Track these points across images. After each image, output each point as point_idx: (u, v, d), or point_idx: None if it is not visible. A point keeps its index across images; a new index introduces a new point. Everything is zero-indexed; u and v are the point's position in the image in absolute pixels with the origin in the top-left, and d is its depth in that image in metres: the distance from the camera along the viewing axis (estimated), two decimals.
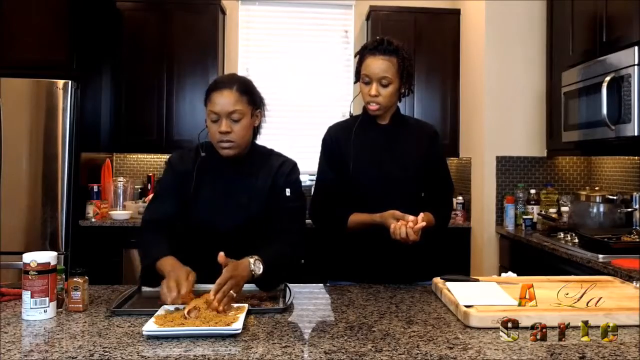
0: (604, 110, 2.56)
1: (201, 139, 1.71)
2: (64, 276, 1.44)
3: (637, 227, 2.78)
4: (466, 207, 3.86)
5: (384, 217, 1.67)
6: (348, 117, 1.98)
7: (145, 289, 1.61)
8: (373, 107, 1.79)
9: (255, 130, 1.74)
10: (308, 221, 1.91)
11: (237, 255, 1.46)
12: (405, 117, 1.94)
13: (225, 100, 1.59)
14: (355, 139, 1.83)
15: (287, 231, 1.64)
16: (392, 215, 1.65)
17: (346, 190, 1.82)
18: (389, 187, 1.80)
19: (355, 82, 1.88)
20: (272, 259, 1.51)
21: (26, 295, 1.31)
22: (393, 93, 1.78)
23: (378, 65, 1.75)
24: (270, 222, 1.66)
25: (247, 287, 1.54)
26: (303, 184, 1.79)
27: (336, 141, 1.86)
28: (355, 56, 1.86)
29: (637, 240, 2.44)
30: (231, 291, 1.35)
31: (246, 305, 1.36)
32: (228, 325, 1.21)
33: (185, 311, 1.27)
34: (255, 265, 1.45)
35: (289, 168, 1.73)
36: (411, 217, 1.59)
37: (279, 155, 1.78)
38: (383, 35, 1.83)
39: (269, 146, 1.81)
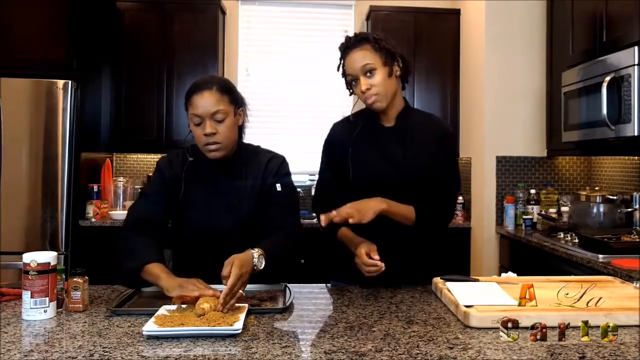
0: (604, 110, 2.56)
1: (189, 142, 1.70)
2: (64, 276, 1.45)
3: (637, 227, 2.78)
4: (466, 207, 3.86)
5: (358, 249, 1.63)
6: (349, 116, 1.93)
7: (145, 289, 1.61)
8: (371, 99, 1.71)
9: (240, 130, 1.72)
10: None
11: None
12: (414, 117, 1.82)
13: (207, 101, 1.57)
14: (357, 139, 1.79)
15: (281, 226, 1.63)
16: (364, 253, 1.60)
17: (345, 191, 1.78)
18: (388, 193, 1.71)
19: (350, 94, 1.83)
20: (273, 251, 1.52)
21: (26, 295, 1.31)
22: (384, 78, 1.71)
23: (354, 59, 1.72)
24: (264, 219, 1.65)
25: (248, 287, 1.54)
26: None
27: (338, 140, 1.83)
28: (337, 70, 1.83)
29: (637, 240, 2.44)
30: (240, 291, 1.35)
31: (246, 305, 1.36)
32: (228, 325, 1.21)
33: (197, 311, 1.27)
34: (259, 260, 1.45)
35: (278, 163, 1.72)
36: (333, 213, 1.54)
37: (267, 151, 1.76)
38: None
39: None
